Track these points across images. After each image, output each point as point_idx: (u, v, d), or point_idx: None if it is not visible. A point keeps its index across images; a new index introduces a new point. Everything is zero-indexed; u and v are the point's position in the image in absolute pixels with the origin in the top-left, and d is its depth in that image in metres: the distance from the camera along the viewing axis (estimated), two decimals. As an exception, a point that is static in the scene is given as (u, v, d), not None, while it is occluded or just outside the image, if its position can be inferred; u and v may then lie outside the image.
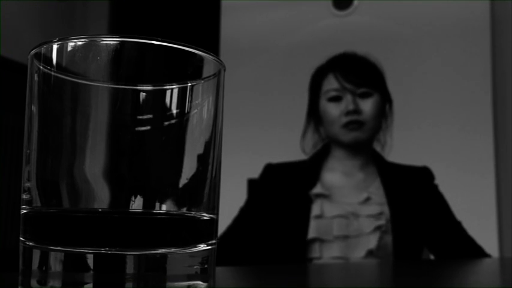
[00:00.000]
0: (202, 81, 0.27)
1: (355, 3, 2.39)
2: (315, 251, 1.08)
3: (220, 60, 0.28)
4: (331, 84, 1.15)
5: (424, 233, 1.14)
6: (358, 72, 1.15)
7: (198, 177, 0.27)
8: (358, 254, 1.07)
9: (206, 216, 0.27)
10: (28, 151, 0.27)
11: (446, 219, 1.17)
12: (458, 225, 1.17)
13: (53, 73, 0.26)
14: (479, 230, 2.15)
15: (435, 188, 1.20)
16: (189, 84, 0.26)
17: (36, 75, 0.26)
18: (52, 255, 0.25)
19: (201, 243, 0.27)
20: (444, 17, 2.30)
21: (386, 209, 1.10)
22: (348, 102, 1.12)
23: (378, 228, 1.08)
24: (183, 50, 0.26)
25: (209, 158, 0.27)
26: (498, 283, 0.50)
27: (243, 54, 2.60)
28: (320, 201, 1.12)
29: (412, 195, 1.15)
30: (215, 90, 0.28)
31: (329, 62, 1.20)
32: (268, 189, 1.18)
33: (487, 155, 2.19)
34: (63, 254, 0.25)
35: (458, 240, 1.15)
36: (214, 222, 0.27)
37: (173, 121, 0.26)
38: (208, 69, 0.27)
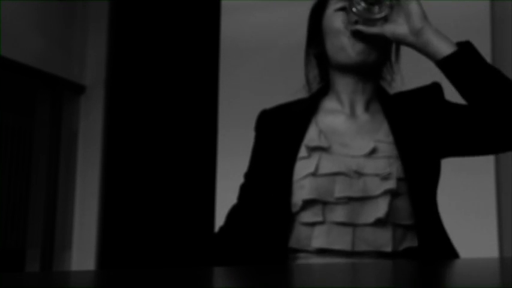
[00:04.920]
0: None
1: (355, 3, 2.39)
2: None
3: None
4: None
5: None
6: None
7: None
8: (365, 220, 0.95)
9: None
10: None
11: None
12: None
13: None
14: (479, 230, 2.15)
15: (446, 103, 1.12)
16: None
17: None
18: None
19: None
20: (444, 17, 2.29)
21: (396, 165, 0.97)
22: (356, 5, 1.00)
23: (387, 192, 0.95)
24: None
25: None
26: (498, 283, 0.50)
27: (243, 54, 2.60)
28: (317, 155, 0.99)
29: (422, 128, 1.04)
30: None
31: None
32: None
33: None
34: None
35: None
36: None
37: None
38: None
